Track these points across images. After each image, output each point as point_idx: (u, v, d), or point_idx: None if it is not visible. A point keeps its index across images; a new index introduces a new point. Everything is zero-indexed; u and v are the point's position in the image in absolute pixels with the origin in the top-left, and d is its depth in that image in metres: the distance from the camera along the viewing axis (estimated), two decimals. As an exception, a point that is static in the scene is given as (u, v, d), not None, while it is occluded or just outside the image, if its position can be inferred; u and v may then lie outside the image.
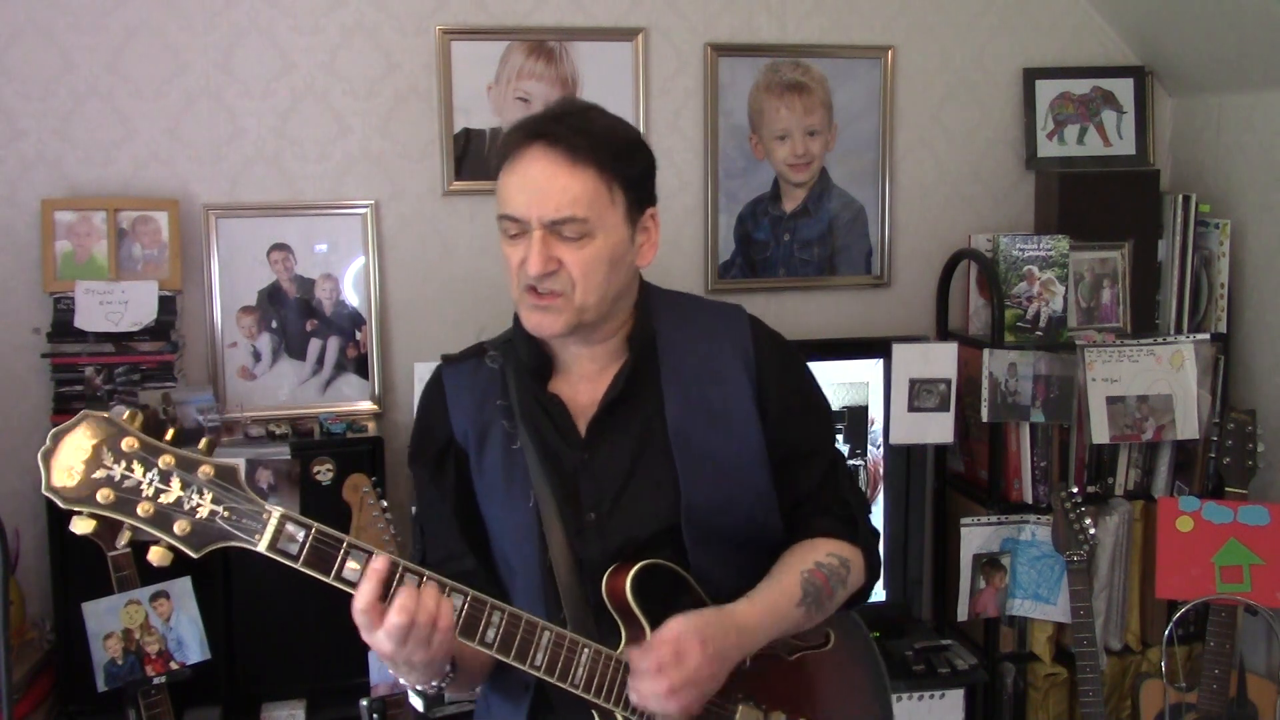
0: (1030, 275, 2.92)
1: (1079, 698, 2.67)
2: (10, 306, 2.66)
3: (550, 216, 1.41)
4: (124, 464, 1.19)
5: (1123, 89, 3.28)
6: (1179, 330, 3.06)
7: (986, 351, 2.88)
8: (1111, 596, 3.00)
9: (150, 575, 2.41)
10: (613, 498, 1.49)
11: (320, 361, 2.85)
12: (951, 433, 2.94)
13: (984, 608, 2.93)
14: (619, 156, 1.46)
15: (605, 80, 2.95)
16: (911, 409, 2.88)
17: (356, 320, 2.87)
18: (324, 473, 2.56)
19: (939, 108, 3.21)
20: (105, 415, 1.19)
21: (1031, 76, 3.24)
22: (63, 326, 2.58)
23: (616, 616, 1.45)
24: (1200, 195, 3.07)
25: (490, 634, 1.33)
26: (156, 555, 1.22)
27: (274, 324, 2.82)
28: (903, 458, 2.98)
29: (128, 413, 1.21)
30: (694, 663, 1.35)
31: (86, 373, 2.56)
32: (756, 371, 1.55)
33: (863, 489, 2.83)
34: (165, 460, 1.20)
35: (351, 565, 1.26)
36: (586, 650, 1.39)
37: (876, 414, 2.96)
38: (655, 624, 1.41)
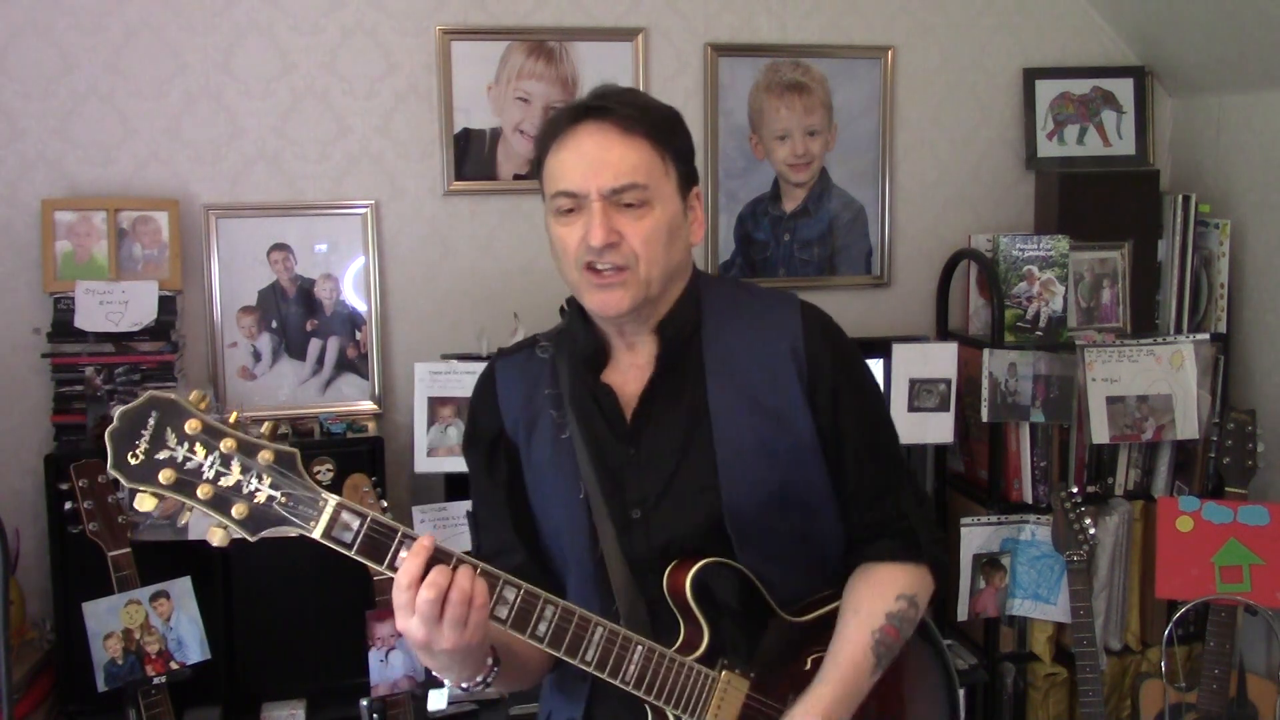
0: (1030, 275, 2.92)
1: (1079, 698, 2.66)
2: (10, 306, 2.66)
3: (610, 185, 1.40)
4: (186, 446, 1.21)
5: (1123, 89, 3.28)
6: (1179, 330, 3.06)
7: (986, 351, 2.88)
8: (1111, 596, 3.00)
9: (150, 575, 2.41)
10: (657, 495, 1.48)
11: (320, 361, 2.85)
12: (951, 433, 2.94)
13: (984, 607, 2.93)
14: (668, 129, 1.47)
15: (605, 80, 2.90)
16: (911, 409, 2.88)
17: (356, 320, 2.87)
18: (324, 473, 2.55)
19: (939, 108, 3.21)
20: (171, 396, 1.21)
21: (1031, 76, 3.24)
22: (63, 326, 2.58)
23: (676, 613, 1.44)
24: (1200, 195, 3.07)
25: (542, 627, 1.33)
26: (217, 536, 1.23)
27: (274, 324, 2.82)
28: (903, 458, 2.97)
29: (193, 393, 1.23)
30: None
31: (86, 373, 2.56)
32: (807, 359, 1.50)
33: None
34: (227, 444, 1.22)
35: (404, 555, 1.26)
36: (640, 648, 1.38)
37: (876, 414, 2.95)
38: (714, 625, 1.41)
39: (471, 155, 2.90)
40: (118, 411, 1.20)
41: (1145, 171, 3.15)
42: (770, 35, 3.07)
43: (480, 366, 2.61)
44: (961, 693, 2.87)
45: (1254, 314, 3.07)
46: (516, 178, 2.93)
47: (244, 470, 1.22)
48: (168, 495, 1.21)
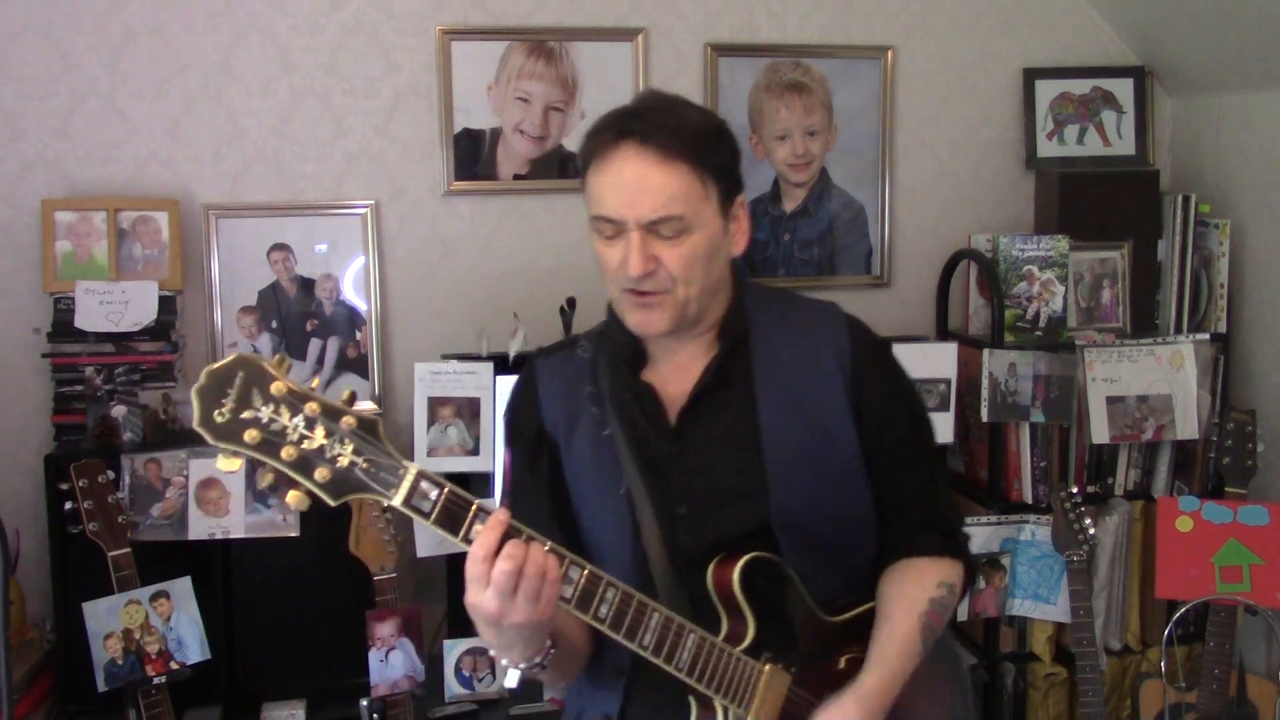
0: (1030, 275, 2.92)
1: (1079, 698, 2.66)
2: (10, 306, 2.66)
3: (647, 217, 1.41)
4: (271, 407, 1.22)
5: (1123, 89, 3.28)
6: (1179, 330, 3.06)
7: (986, 351, 2.88)
8: (1111, 596, 3.00)
9: (150, 575, 2.41)
10: (702, 492, 1.49)
11: (320, 361, 2.85)
12: (951, 433, 2.94)
13: (984, 607, 2.93)
14: (709, 148, 1.46)
15: (605, 80, 2.95)
16: (911, 409, 2.88)
17: (356, 320, 2.87)
18: (324, 473, 2.55)
19: (939, 108, 3.21)
20: (258, 359, 1.22)
21: (1031, 77, 3.24)
22: (63, 326, 2.58)
23: (720, 606, 1.45)
24: (1200, 195, 3.07)
25: (604, 609, 1.34)
26: (294, 499, 1.24)
27: (274, 324, 2.82)
28: (903, 458, 2.97)
29: (277, 357, 1.24)
30: None
31: (87, 373, 2.56)
32: (852, 372, 1.53)
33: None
34: (311, 407, 1.22)
35: (479, 528, 1.27)
36: (692, 635, 1.39)
37: (876, 414, 2.96)
38: (760, 618, 1.42)
39: (472, 155, 2.90)
40: (205, 370, 1.21)
41: (1145, 171, 3.15)
42: (770, 35, 3.07)
43: (480, 366, 2.64)
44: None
45: (1254, 314, 3.07)
46: (516, 178, 2.94)
47: (328, 434, 1.23)
48: (252, 455, 1.21)
